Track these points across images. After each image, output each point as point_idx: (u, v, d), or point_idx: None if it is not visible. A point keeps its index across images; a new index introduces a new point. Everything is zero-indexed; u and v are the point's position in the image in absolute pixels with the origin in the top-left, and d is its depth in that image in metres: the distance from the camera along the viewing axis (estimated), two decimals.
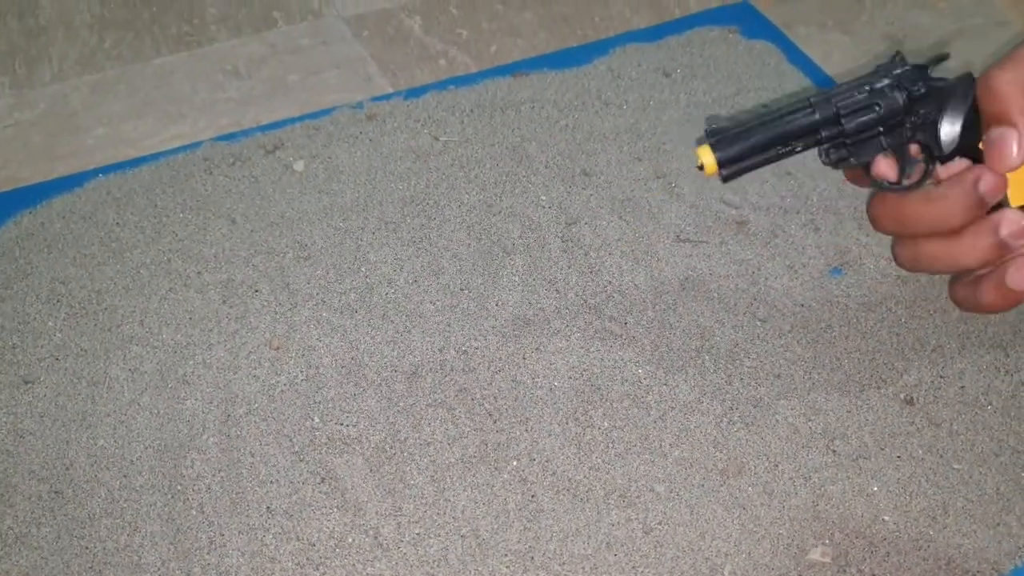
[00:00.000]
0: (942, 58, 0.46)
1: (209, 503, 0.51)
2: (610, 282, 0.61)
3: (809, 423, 0.55)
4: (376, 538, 0.50)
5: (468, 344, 0.58)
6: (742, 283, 0.61)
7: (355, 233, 0.63)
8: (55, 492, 0.51)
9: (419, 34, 0.78)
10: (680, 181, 0.67)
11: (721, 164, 0.46)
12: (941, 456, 0.53)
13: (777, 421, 0.55)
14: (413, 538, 0.50)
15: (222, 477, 0.52)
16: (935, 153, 0.46)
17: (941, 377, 0.57)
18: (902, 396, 0.56)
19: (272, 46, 0.77)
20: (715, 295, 0.60)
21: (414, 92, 0.72)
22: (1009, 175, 0.45)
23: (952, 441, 0.54)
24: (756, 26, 0.78)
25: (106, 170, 0.67)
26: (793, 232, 0.64)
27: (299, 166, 0.67)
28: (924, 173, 0.46)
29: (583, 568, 0.49)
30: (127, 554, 0.49)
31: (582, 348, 0.58)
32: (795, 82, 0.74)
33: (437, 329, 0.58)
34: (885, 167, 0.47)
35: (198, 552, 0.49)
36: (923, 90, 0.44)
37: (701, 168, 0.46)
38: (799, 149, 0.45)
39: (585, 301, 0.60)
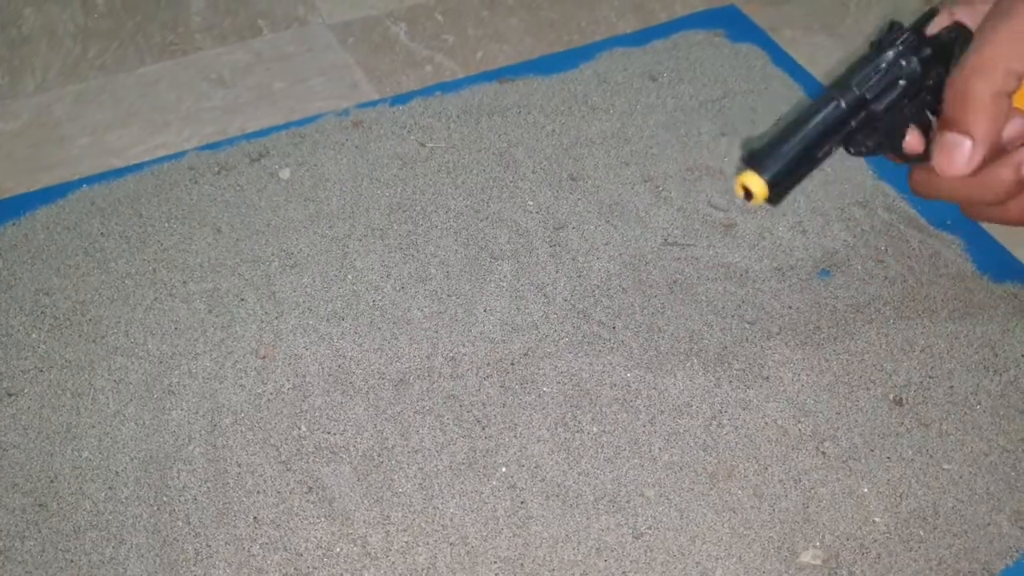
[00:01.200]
0: (932, 13, 0.44)
1: (195, 514, 0.50)
2: (598, 286, 0.61)
3: (798, 425, 0.54)
4: (364, 547, 0.49)
5: (456, 351, 0.57)
6: (730, 286, 0.61)
7: (341, 240, 0.63)
8: (39, 505, 0.51)
9: (405, 41, 0.78)
10: (667, 184, 0.67)
11: (771, 186, 0.42)
12: (931, 456, 0.53)
13: (766, 423, 0.54)
14: (401, 547, 0.49)
15: (208, 488, 0.51)
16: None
17: (930, 377, 0.57)
18: (891, 397, 0.56)
19: (257, 54, 0.77)
20: (703, 298, 0.60)
21: (400, 98, 0.72)
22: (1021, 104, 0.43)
23: (942, 441, 0.54)
24: (742, 29, 0.78)
25: (90, 180, 0.67)
26: (781, 234, 0.64)
27: (285, 174, 0.67)
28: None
29: (573, 574, 0.49)
30: (112, 567, 0.48)
31: (570, 353, 0.57)
32: (781, 85, 0.74)
33: (425, 336, 0.58)
34: (915, 141, 0.45)
35: (184, 564, 0.49)
36: (929, 51, 0.43)
37: (748, 198, 0.43)
38: (836, 147, 0.44)
39: (573, 306, 0.60)
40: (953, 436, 0.54)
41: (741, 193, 0.43)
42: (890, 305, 0.60)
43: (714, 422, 0.54)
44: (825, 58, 0.77)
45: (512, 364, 0.57)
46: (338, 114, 0.71)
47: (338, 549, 0.49)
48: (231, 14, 0.80)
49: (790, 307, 0.60)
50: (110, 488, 0.51)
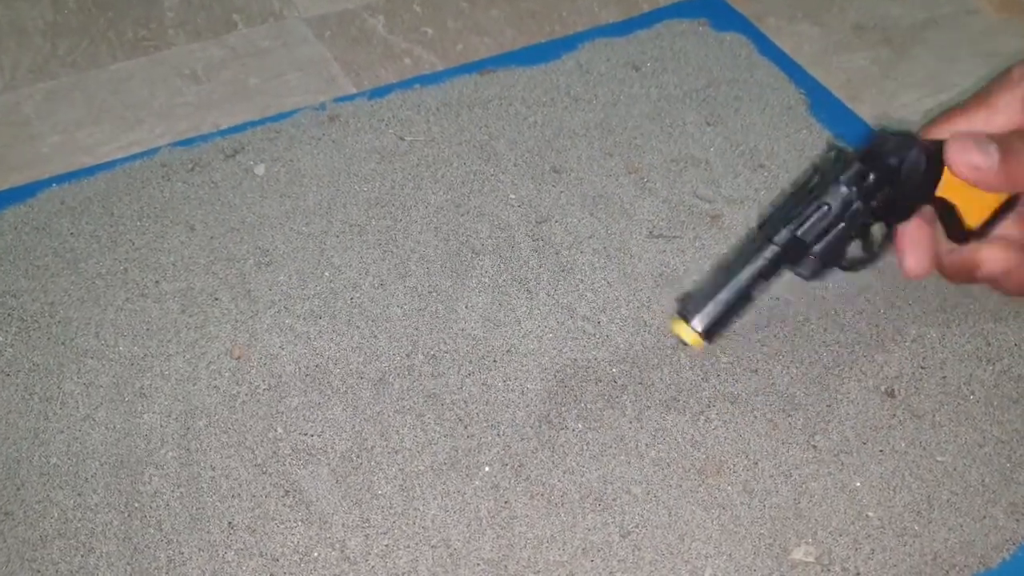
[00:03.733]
0: (882, 142, 0.43)
1: (168, 520, 0.49)
2: (582, 280, 0.60)
3: (788, 419, 0.53)
4: (343, 551, 0.48)
5: (437, 348, 0.56)
6: None
7: (318, 237, 0.61)
8: (5, 513, 0.49)
9: (383, 33, 0.77)
10: (652, 176, 0.65)
11: (705, 336, 0.44)
12: (924, 449, 0.52)
13: (756, 417, 0.53)
14: (381, 550, 0.48)
15: (181, 493, 0.50)
16: (898, 221, 0.45)
17: (922, 368, 0.55)
18: (883, 388, 0.54)
19: (232, 49, 0.75)
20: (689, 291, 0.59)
21: (378, 92, 0.71)
22: (958, 200, 0.44)
23: (935, 433, 0.53)
24: (726, 18, 0.77)
25: (60, 179, 0.65)
26: None
27: (260, 170, 0.65)
28: (886, 239, 0.46)
29: (559, 575, 0.47)
30: None
31: (554, 349, 0.56)
32: (766, 74, 0.73)
33: (405, 333, 0.57)
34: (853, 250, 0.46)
35: (156, 572, 0.47)
36: (874, 177, 0.42)
37: (685, 344, 0.44)
38: (773, 280, 0.44)
39: (557, 301, 0.58)
40: (946, 427, 0.53)
41: (680, 339, 0.44)
42: (880, 295, 0.59)
43: (702, 417, 0.53)
44: (810, 47, 0.76)
45: (494, 361, 0.55)
46: (314, 109, 0.69)
47: (316, 554, 0.48)
48: (205, 9, 0.78)
49: (778, 298, 0.59)
50: (79, 495, 0.49)
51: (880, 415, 0.53)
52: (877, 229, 0.45)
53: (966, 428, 0.53)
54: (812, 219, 0.43)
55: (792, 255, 0.43)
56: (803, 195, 0.43)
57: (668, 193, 0.65)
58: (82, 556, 0.47)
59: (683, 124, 0.69)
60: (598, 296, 0.59)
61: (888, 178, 0.43)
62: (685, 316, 0.43)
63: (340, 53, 0.75)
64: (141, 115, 0.70)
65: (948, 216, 0.45)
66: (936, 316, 0.58)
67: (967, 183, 0.42)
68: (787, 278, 0.47)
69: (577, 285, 0.59)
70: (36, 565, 0.47)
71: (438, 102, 0.70)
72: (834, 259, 0.44)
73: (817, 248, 0.43)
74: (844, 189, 0.42)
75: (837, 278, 0.52)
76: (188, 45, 0.76)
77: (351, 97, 0.70)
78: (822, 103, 0.71)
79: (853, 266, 0.46)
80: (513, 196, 0.64)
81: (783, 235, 0.43)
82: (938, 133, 0.45)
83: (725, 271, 0.43)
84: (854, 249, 0.46)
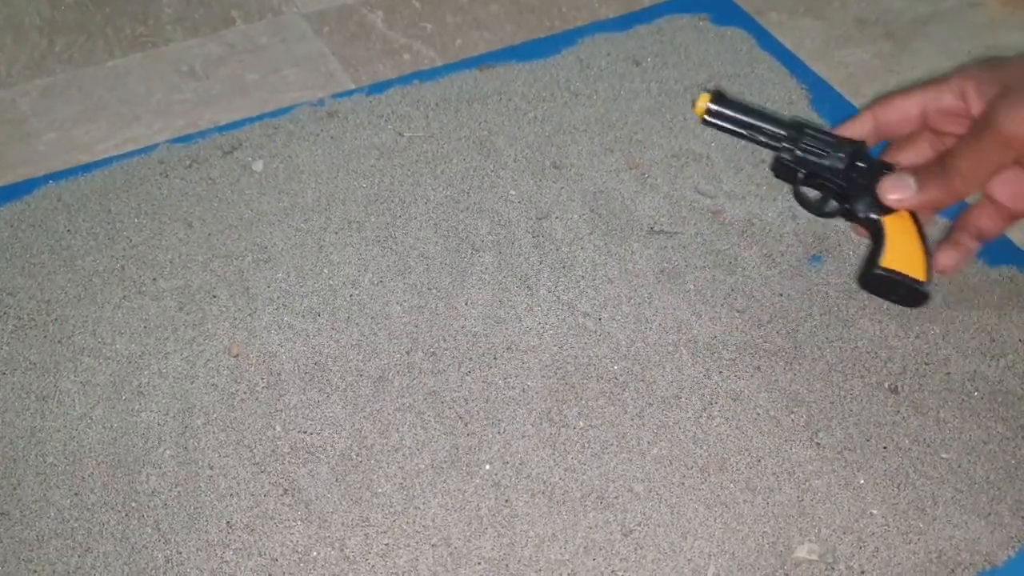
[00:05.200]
0: (887, 166, 0.55)
1: (165, 520, 0.48)
2: (583, 277, 0.59)
3: (791, 416, 0.53)
4: (342, 550, 0.47)
5: (437, 345, 0.56)
6: (719, 273, 0.59)
7: (317, 234, 0.61)
8: (1, 513, 0.48)
9: (382, 29, 0.76)
10: (653, 171, 0.65)
11: (709, 111, 0.56)
12: (928, 446, 0.52)
13: (758, 415, 0.53)
14: (381, 549, 0.47)
15: (179, 492, 0.49)
16: (850, 207, 0.55)
17: (926, 364, 0.55)
18: (886, 385, 0.54)
19: (230, 45, 0.75)
20: (691, 287, 0.59)
21: (377, 87, 0.70)
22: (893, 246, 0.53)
23: (939, 430, 0.52)
24: (727, 13, 0.76)
25: (57, 176, 0.64)
26: (770, 220, 0.62)
27: (258, 166, 0.65)
28: (839, 211, 0.56)
29: (560, 574, 0.47)
30: None
31: (555, 346, 0.56)
32: (768, 69, 0.72)
33: (404, 331, 0.56)
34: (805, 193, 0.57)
35: (154, 572, 0.47)
36: (864, 165, 0.54)
37: (693, 105, 0.56)
38: (762, 140, 0.56)
39: (558, 297, 0.58)
40: (951, 424, 0.52)
41: (696, 100, 0.56)
42: None
43: (704, 414, 0.53)
44: (811, 41, 0.76)
45: (495, 358, 0.55)
46: (313, 105, 0.69)
47: (315, 553, 0.47)
48: (203, 5, 0.78)
49: (781, 294, 0.58)
50: (76, 494, 0.49)
51: (884, 412, 0.53)
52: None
53: (970, 424, 0.52)
54: (815, 144, 0.55)
55: (788, 139, 0.55)
56: (828, 136, 0.55)
57: (669, 188, 0.64)
58: (79, 556, 0.47)
59: (684, 119, 0.68)
60: (599, 293, 0.58)
61: (869, 174, 0.54)
62: (713, 97, 0.55)
63: (338, 49, 0.74)
64: (138, 112, 0.70)
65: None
66: (939, 312, 0.57)
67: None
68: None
69: (578, 282, 0.59)
70: (33, 565, 0.47)
71: (437, 98, 0.69)
72: (804, 165, 0.55)
73: (800, 151, 0.55)
74: (844, 155, 0.54)
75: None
76: (186, 41, 0.75)
77: (349, 93, 0.70)
78: (824, 98, 0.71)
79: (803, 202, 0.56)
80: (513, 192, 0.64)
81: (797, 133, 0.55)
82: (883, 112, 0.56)
83: (755, 109, 0.56)
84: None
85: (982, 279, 0.59)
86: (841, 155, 0.53)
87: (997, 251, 0.60)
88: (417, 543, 0.48)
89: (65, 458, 0.50)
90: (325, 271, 0.59)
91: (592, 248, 0.60)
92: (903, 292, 0.51)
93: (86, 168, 0.65)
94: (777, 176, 0.55)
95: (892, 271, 0.50)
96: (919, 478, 0.50)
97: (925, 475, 0.50)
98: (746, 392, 0.53)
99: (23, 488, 0.49)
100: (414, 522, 0.48)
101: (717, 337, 0.56)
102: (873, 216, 0.52)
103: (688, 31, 0.74)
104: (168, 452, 0.51)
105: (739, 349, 0.55)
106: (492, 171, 0.65)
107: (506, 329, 0.56)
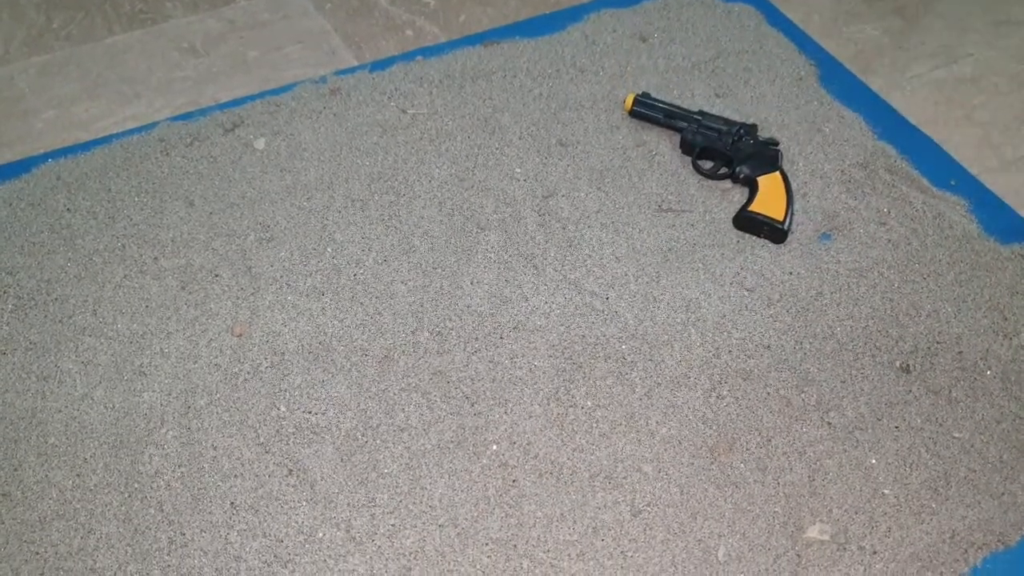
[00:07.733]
0: (773, 142, 0.64)
1: (169, 501, 0.48)
2: (590, 256, 0.58)
3: (802, 395, 0.52)
4: (348, 531, 0.47)
5: (442, 325, 0.55)
6: (727, 252, 0.59)
7: (320, 212, 0.60)
8: (3, 495, 0.48)
9: (384, 5, 0.75)
10: (661, 148, 0.64)
11: (634, 109, 0.65)
12: (940, 425, 0.51)
13: (768, 394, 0.52)
14: (388, 530, 0.47)
15: (182, 472, 0.49)
16: (735, 171, 0.63)
17: (937, 343, 0.54)
18: (898, 364, 0.53)
19: (231, 22, 0.74)
20: (700, 265, 0.58)
21: (380, 64, 0.69)
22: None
23: (951, 409, 0.52)
24: None
25: (56, 154, 0.63)
26: None
27: (260, 144, 0.64)
28: (726, 174, 0.64)
29: (569, 554, 0.46)
30: (81, 558, 0.46)
31: (562, 325, 0.55)
32: (776, 44, 0.71)
33: (409, 310, 0.55)
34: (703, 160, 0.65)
35: (158, 553, 0.46)
36: (751, 142, 0.63)
37: (623, 103, 0.67)
38: (675, 124, 0.65)
39: (564, 276, 0.57)
40: (963, 403, 0.52)
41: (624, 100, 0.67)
42: (894, 269, 0.57)
43: (713, 394, 0.52)
44: (820, 16, 0.75)
45: (501, 338, 0.54)
46: (315, 82, 0.68)
47: (321, 534, 0.47)
48: None
49: (791, 273, 0.57)
50: (78, 475, 0.48)
51: (895, 391, 0.52)
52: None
53: (983, 404, 0.52)
54: (714, 123, 0.64)
55: (693, 122, 0.64)
56: (725, 121, 0.65)
57: (677, 166, 0.63)
58: (82, 537, 0.46)
59: (692, 96, 0.67)
60: (606, 271, 0.57)
61: (751, 150, 0.63)
62: (638, 96, 0.65)
63: (341, 25, 0.73)
64: (138, 89, 0.69)
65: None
66: (951, 290, 0.56)
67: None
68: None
69: (585, 260, 0.58)
70: (35, 547, 0.46)
71: (441, 74, 0.68)
72: (696, 152, 0.64)
73: (703, 126, 0.64)
74: (735, 130, 0.64)
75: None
76: (186, 18, 0.74)
77: (352, 70, 0.69)
78: (832, 74, 0.70)
79: (699, 169, 0.63)
80: (519, 170, 0.63)
81: (702, 117, 0.64)
82: None
83: (668, 104, 0.65)
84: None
85: (994, 257, 0.58)
86: (731, 132, 0.63)
87: (1009, 229, 0.59)
88: (424, 523, 0.47)
89: (67, 439, 0.50)
90: (328, 250, 0.58)
91: (599, 226, 0.60)
92: (767, 230, 0.59)
93: (85, 146, 0.64)
94: (684, 152, 0.64)
95: (757, 213, 0.59)
96: (931, 458, 0.50)
97: (937, 455, 0.50)
98: (756, 371, 0.53)
99: (24, 469, 0.49)
100: (421, 502, 0.48)
101: (726, 316, 0.55)
102: (750, 175, 0.62)
103: (695, 6, 0.73)
104: (171, 433, 0.50)
105: (748, 328, 0.55)
106: (497, 149, 0.64)
107: (512, 308, 0.56)
